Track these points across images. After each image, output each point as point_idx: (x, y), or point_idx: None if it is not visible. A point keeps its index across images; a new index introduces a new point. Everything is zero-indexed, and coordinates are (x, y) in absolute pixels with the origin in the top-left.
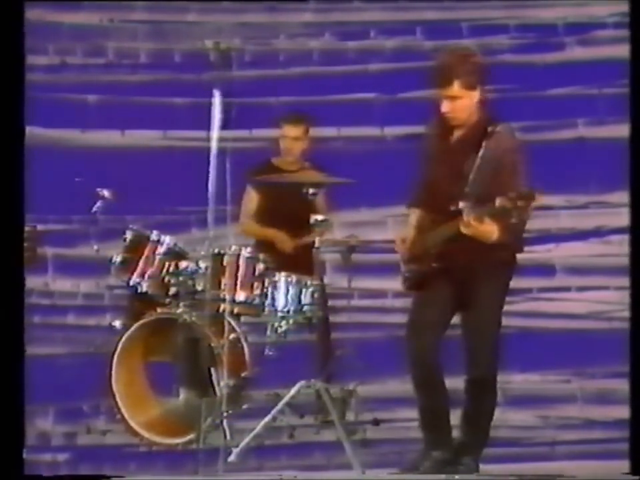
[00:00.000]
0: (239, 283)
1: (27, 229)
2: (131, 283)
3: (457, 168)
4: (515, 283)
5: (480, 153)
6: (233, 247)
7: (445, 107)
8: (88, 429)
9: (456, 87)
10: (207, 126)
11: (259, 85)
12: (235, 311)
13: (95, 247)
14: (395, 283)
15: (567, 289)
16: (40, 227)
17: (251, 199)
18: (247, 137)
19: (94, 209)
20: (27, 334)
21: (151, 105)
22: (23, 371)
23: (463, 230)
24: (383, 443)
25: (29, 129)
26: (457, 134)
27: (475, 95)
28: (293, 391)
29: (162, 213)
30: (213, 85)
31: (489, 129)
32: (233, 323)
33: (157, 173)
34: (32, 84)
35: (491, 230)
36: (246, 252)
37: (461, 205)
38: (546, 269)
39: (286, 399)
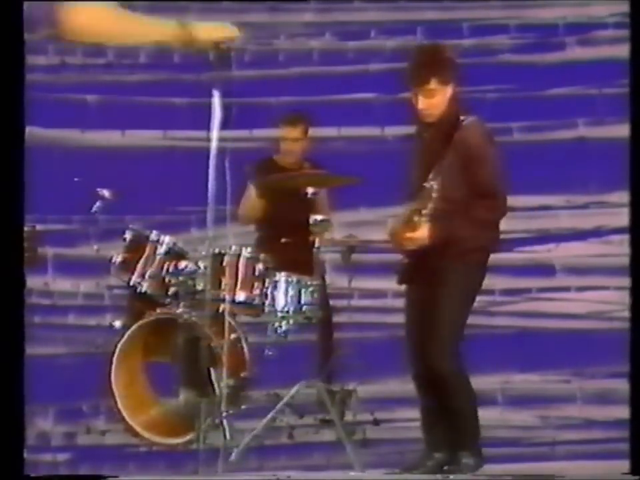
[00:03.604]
0: (239, 283)
1: (26, 229)
2: (131, 283)
3: (429, 163)
4: (514, 283)
5: (448, 147)
6: (233, 247)
7: (422, 103)
8: (87, 429)
9: (432, 84)
10: (207, 126)
11: (258, 85)
12: (235, 311)
13: (95, 247)
14: (395, 283)
15: (567, 289)
16: (40, 227)
17: (251, 195)
18: (246, 137)
19: (94, 208)
20: (27, 334)
21: (151, 104)
22: (23, 371)
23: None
24: (383, 443)
25: (28, 129)
26: (431, 130)
27: (449, 90)
28: (292, 390)
29: (162, 213)
30: (213, 85)
31: (459, 122)
32: (232, 322)
33: (157, 173)
34: (32, 84)
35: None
36: (246, 252)
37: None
38: (546, 269)
39: (286, 398)
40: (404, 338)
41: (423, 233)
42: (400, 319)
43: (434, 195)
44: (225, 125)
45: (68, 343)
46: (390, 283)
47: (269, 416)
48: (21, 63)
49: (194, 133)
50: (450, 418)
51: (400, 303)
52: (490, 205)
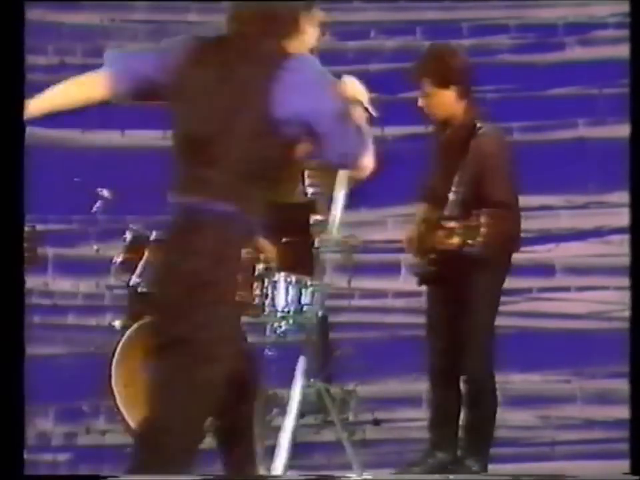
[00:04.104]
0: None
1: (26, 229)
2: (131, 283)
3: (447, 167)
4: (514, 283)
5: (467, 154)
6: None
7: (420, 102)
8: (87, 429)
9: (426, 85)
10: None
11: None
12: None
13: (95, 247)
14: (394, 283)
15: (567, 289)
16: (40, 227)
17: None
18: None
19: (94, 208)
20: (26, 334)
21: (151, 104)
22: (23, 371)
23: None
24: (383, 443)
25: (28, 129)
26: (447, 132)
27: (449, 94)
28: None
29: (162, 213)
30: None
31: (475, 129)
32: None
33: (157, 173)
34: (32, 84)
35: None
36: (245, 252)
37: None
38: (546, 269)
39: (287, 399)
40: (427, 337)
41: (456, 241)
42: (400, 318)
43: (457, 203)
44: None
45: (68, 343)
46: (390, 283)
47: (269, 417)
48: (21, 63)
49: None
50: (471, 422)
51: (400, 303)
52: (503, 215)
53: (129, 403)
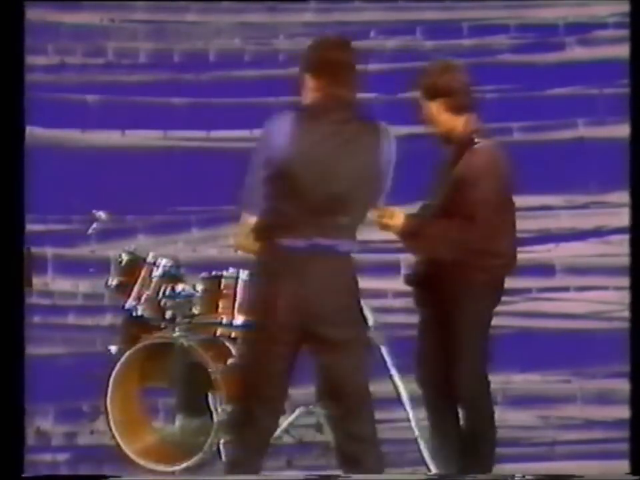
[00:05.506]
0: (236, 306)
1: (24, 250)
2: (127, 307)
3: (440, 182)
4: (514, 283)
5: (456, 166)
6: (231, 270)
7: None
8: (88, 430)
9: (419, 97)
10: (207, 126)
11: (258, 85)
12: (233, 334)
13: (91, 270)
14: (394, 283)
15: (567, 289)
16: (40, 227)
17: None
18: (246, 137)
19: (90, 230)
20: (27, 334)
21: (151, 104)
22: (23, 371)
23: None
24: (383, 443)
25: (28, 129)
26: (449, 148)
27: (435, 107)
28: (292, 416)
29: (162, 213)
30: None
31: (472, 145)
32: (230, 347)
33: (157, 173)
34: (32, 84)
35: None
36: (244, 275)
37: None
38: (546, 269)
39: (285, 424)
40: (418, 360)
41: (398, 220)
42: (400, 318)
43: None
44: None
45: (68, 343)
46: (390, 283)
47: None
48: (21, 63)
49: (194, 133)
50: (469, 442)
51: (400, 303)
52: (469, 228)
53: (124, 429)
